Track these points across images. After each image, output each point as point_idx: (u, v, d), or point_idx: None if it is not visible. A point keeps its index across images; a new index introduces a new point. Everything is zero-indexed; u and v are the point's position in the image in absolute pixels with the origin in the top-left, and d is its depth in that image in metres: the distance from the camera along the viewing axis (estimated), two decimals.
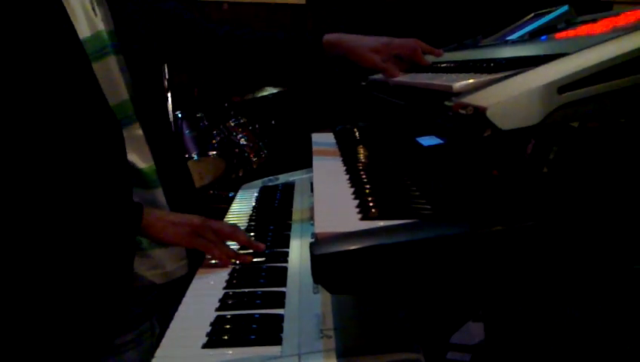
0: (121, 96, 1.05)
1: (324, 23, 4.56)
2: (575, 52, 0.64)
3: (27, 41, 0.88)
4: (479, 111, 0.60)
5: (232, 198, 1.61)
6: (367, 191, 0.84)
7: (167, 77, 2.64)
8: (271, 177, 1.78)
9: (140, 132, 1.09)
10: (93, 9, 1.02)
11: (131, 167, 1.06)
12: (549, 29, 0.96)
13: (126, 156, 1.03)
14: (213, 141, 3.12)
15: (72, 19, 0.95)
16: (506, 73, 0.68)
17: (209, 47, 1.27)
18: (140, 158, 1.09)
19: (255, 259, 1.05)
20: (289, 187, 1.61)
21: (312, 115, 3.65)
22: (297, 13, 4.91)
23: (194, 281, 0.97)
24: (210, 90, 3.63)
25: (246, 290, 0.91)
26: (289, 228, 1.23)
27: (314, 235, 0.64)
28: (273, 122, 3.71)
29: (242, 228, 1.25)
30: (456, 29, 1.64)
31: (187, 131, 2.99)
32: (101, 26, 1.02)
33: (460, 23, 1.74)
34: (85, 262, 0.95)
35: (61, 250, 0.93)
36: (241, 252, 1.08)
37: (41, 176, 0.92)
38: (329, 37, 1.18)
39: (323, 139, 1.53)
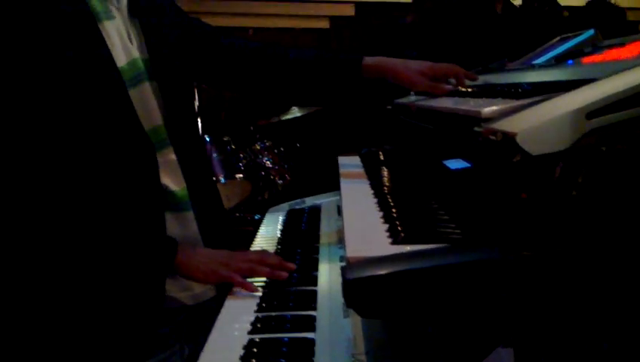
0: (156, 121, 1.08)
1: (347, 46, 4.61)
2: (603, 78, 0.65)
3: (68, 69, 0.92)
4: (509, 137, 0.61)
5: (258, 221, 1.63)
6: (396, 215, 0.85)
7: (197, 102, 2.70)
8: (297, 200, 1.80)
9: (173, 156, 1.11)
10: (130, 38, 1.06)
11: (164, 190, 1.09)
12: (576, 53, 0.97)
13: (159, 180, 1.06)
14: (240, 164, 3.16)
15: (110, 48, 0.99)
16: (535, 99, 0.69)
17: (255, 64, 1.31)
18: (172, 182, 1.11)
19: (285, 282, 1.07)
20: (316, 210, 1.62)
21: (336, 138, 3.68)
22: (322, 37, 4.99)
23: (226, 304, 0.99)
24: (236, 114, 3.69)
25: (277, 314, 0.92)
26: (317, 251, 1.24)
27: (346, 259, 0.65)
28: (298, 145, 3.75)
29: (271, 251, 1.26)
30: (481, 52, 1.65)
31: (214, 155, 3.05)
32: (137, 53, 1.06)
33: (484, 47, 1.76)
34: (118, 285, 0.97)
35: (95, 275, 0.96)
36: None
37: (78, 201, 0.95)
38: (369, 59, 1.22)
39: (350, 162, 1.54)
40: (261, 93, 1.39)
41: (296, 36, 4.90)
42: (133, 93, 1.02)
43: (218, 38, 1.30)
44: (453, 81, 1.22)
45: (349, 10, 4.83)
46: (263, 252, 1.15)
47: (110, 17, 1.02)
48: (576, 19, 1.90)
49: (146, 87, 1.07)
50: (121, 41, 1.03)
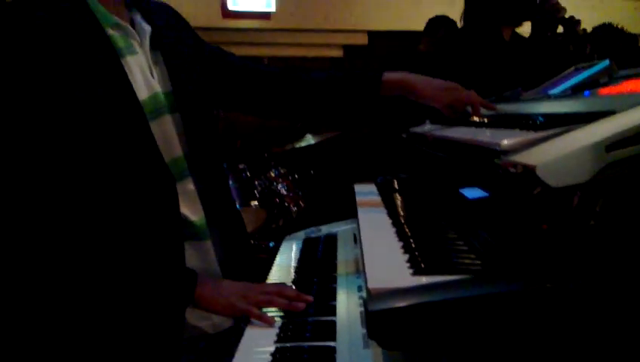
0: (176, 153, 1.10)
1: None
2: (621, 110, 0.65)
3: (91, 104, 0.94)
4: (529, 170, 0.62)
5: (273, 248, 1.63)
6: (415, 245, 0.85)
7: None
8: (313, 228, 1.80)
9: (192, 186, 1.13)
10: (151, 72, 1.08)
11: (183, 220, 1.11)
12: (592, 83, 0.98)
13: (179, 211, 1.08)
14: (255, 191, 3.19)
15: (132, 82, 1.01)
16: (554, 131, 0.70)
17: (273, 85, 1.34)
18: (190, 211, 1.13)
19: (304, 312, 1.07)
20: (332, 238, 1.62)
21: (350, 166, 3.70)
22: (335, 65, 5.06)
23: (245, 334, 0.99)
24: (252, 142, 3.73)
25: (296, 344, 0.92)
26: (334, 280, 1.24)
27: (367, 291, 0.66)
28: (312, 172, 3.77)
29: (288, 281, 1.26)
30: (492, 81, 1.67)
31: (230, 182, 3.08)
32: (158, 87, 1.09)
33: (494, 75, 1.77)
34: (138, 317, 0.98)
35: (115, 306, 0.97)
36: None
37: (99, 232, 0.97)
38: (391, 75, 1.23)
39: (366, 190, 1.55)
40: (282, 114, 1.41)
41: (310, 65, 4.97)
42: (154, 125, 1.04)
43: (238, 64, 1.32)
44: (469, 108, 1.22)
45: (361, 39, 4.90)
46: (281, 285, 1.15)
47: (133, 52, 1.05)
48: (586, 45, 1.91)
49: (167, 120, 1.09)
50: (143, 75, 1.06)
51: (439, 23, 3.54)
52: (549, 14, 1.90)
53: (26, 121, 0.91)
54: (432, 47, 3.53)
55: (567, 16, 1.93)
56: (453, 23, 3.55)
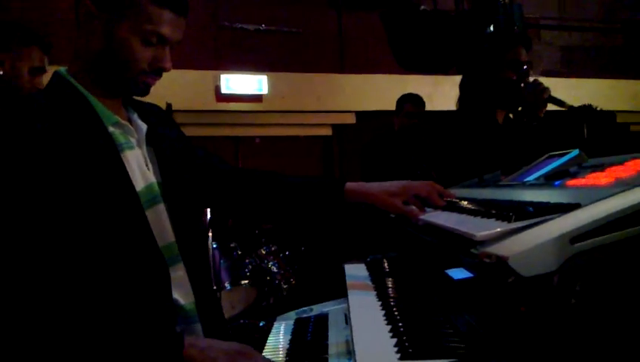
0: (169, 239, 1.16)
1: (349, 150, 4.81)
2: (585, 204, 0.72)
3: (94, 194, 1.02)
4: (502, 261, 0.67)
5: (263, 327, 1.64)
6: (403, 329, 0.89)
7: (209, 217, 2.80)
8: (305, 308, 1.81)
9: (182, 271, 1.18)
10: (147, 164, 1.17)
11: (174, 304, 1.14)
12: (562, 173, 1.06)
13: (171, 295, 1.12)
14: (246, 270, 3.20)
15: (130, 174, 1.09)
16: (526, 222, 0.76)
17: (243, 192, 1.40)
18: (181, 296, 1.17)
19: None
20: (323, 319, 1.64)
21: (341, 241, 3.75)
22: (325, 143, 5.22)
23: None
24: (243, 220, 3.78)
25: None
26: None
27: None
28: (303, 248, 3.80)
29: None
30: (486, 163, 1.75)
31: (221, 261, 3.09)
32: (153, 178, 1.17)
33: (491, 157, 1.86)
34: None
35: None
36: None
37: (92, 314, 0.99)
38: (351, 185, 1.30)
39: (355, 272, 1.59)
40: (251, 216, 1.47)
41: (301, 143, 5.13)
42: (149, 213, 1.11)
43: (218, 165, 1.40)
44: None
45: (350, 119, 5.10)
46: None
47: (130, 147, 1.14)
48: (564, 123, 2.01)
49: (161, 208, 1.16)
50: (139, 168, 1.14)
51: (404, 100, 3.75)
52: (534, 95, 1.99)
53: (36, 208, 0.97)
54: (402, 123, 3.70)
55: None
56: (418, 97, 3.76)
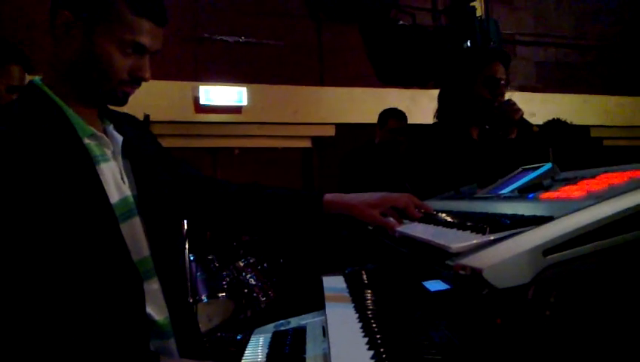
0: (143, 253, 1.15)
1: (328, 163, 4.82)
2: (558, 216, 0.74)
3: (68, 206, 1.01)
4: (476, 272, 0.68)
5: (240, 341, 1.62)
6: (380, 341, 0.89)
7: (186, 228, 2.77)
8: (282, 321, 1.80)
9: (157, 286, 1.17)
10: (122, 178, 1.15)
11: (148, 319, 1.13)
12: (535, 186, 1.08)
13: (145, 309, 1.10)
14: (223, 282, 3.17)
15: (105, 186, 1.08)
16: (500, 234, 0.77)
17: (221, 204, 1.39)
18: (155, 311, 1.15)
19: None
20: (301, 332, 1.63)
21: (320, 253, 3.74)
22: (304, 155, 5.22)
23: None
24: (221, 232, 3.75)
25: None
26: None
27: None
28: (281, 260, 3.79)
29: None
30: (461, 176, 1.77)
31: (198, 273, 3.06)
32: (128, 191, 1.16)
33: (465, 171, 1.88)
34: None
35: None
36: None
37: (64, 329, 0.98)
38: (329, 196, 1.30)
39: (334, 284, 1.58)
40: (226, 227, 1.45)
41: (280, 155, 5.12)
42: (124, 227, 1.10)
43: (196, 177, 1.39)
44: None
45: (329, 131, 5.11)
46: None
47: (106, 160, 1.13)
48: (539, 138, 2.04)
49: (136, 222, 1.15)
50: (114, 181, 1.13)
51: (387, 114, 3.78)
52: (506, 115, 2.01)
53: (8, 220, 0.95)
54: (384, 137, 3.74)
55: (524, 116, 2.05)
56: (401, 113, 3.80)
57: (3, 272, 0.94)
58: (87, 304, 1.01)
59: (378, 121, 3.80)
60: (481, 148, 2.09)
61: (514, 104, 2.02)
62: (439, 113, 2.20)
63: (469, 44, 5.07)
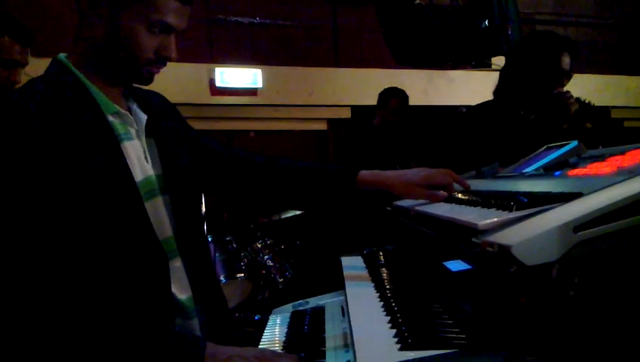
0: (167, 233, 1.15)
1: (343, 145, 4.80)
2: (588, 193, 0.72)
3: (94, 184, 1.00)
4: (505, 249, 0.67)
5: (259, 321, 1.62)
6: (402, 320, 0.89)
7: (204, 210, 2.78)
8: (301, 301, 1.80)
9: (180, 265, 1.16)
10: (146, 157, 1.15)
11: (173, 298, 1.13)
12: (562, 164, 1.05)
13: (170, 288, 1.10)
14: (241, 263, 3.19)
15: (129, 165, 1.07)
16: (527, 211, 0.75)
17: (250, 175, 1.38)
18: (178, 290, 1.15)
19: None
20: (320, 312, 1.63)
21: (337, 236, 3.74)
22: (320, 137, 5.21)
23: None
24: (238, 214, 3.77)
25: None
26: (323, 355, 1.24)
27: None
28: (299, 243, 3.79)
29: None
30: (471, 157, 1.74)
31: (216, 255, 3.08)
32: (151, 170, 1.15)
33: (476, 151, 1.84)
34: None
35: None
36: None
37: (92, 307, 0.98)
38: (365, 173, 1.29)
39: (352, 263, 1.58)
40: (258, 201, 1.44)
41: (296, 137, 5.11)
42: (148, 206, 1.09)
43: (221, 151, 1.39)
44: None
45: (345, 113, 5.08)
46: (291, 357, 1.12)
47: (130, 138, 1.12)
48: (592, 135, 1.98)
49: (159, 201, 1.14)
50: (138, 160, 1.13)
51: (388, 94, 3.69)
52: (562, 106, 1.95)
53: (34, 199, 0.95)
54: (387, 118, 3.66)
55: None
56: (402, 91, 3.71)
57: (31, 250, 0.94)
58: (115, 282, 1.01)
59: (378, 101, 3.71)
60: (538, 130, 2.03)
61: (571, 97, 1.95)
62: (499, 90, 2.13)
63: (486, 23, 4.97)
